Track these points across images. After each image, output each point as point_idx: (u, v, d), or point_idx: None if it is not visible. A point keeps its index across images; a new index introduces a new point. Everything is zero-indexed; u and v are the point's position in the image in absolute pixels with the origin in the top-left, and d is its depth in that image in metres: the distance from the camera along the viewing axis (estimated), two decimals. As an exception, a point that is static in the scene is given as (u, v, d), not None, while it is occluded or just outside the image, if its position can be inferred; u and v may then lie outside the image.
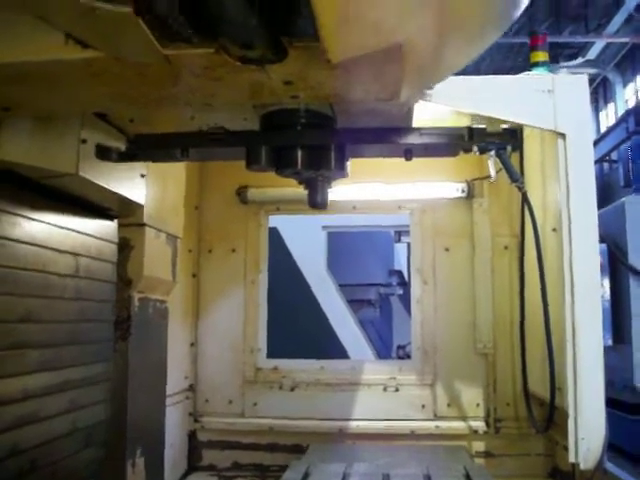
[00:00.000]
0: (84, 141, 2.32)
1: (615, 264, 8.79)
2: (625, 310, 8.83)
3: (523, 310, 4.19)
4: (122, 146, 2.21)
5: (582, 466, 3.46)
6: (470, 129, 1.93)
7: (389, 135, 1.82)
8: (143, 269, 3.56)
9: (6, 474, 2.29)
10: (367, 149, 2.11)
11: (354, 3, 1.12)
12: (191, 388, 4.95)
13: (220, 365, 5.01)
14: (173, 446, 4.44)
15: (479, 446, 4.69)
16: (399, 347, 7.92)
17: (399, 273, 8.78)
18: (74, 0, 1.19)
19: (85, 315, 2.89)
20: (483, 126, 2.03)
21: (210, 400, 4.98)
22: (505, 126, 2.51)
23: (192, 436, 4.92)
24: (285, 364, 5.03)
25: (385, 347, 8.96)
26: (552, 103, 3.74)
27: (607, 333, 8.75)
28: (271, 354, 5.10)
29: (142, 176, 3.00)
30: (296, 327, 5.65)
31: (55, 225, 2.63)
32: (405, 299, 8.24)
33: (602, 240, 8.88)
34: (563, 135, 3.72)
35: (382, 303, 8.71)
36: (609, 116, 17.41)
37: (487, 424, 4.69)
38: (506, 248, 4.78)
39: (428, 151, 2.05)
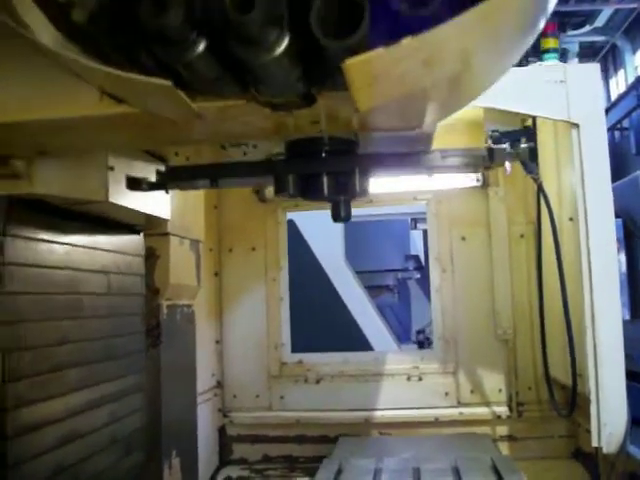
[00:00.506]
0: (112, 168, 2.39)
1: (630, 238, 8.81)
2: (641, 283, 8.88)
3: (542, 297, 4.24)
4: (151, 174, 2.28)
5: (605, 450, 3.56)
6: (490, 150, 1.99)
7: (412, 159, 1.87)
8: (169, 277, 3.65)
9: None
10: (390, 170, 2.17)
11: (382, 62, 1.16)
12: (219, 385, 5.07)
13: (246, 361, 5.12)
14: (204, 442, 4.56)
15: (502, 430, 4.79)
16: (418, 332, 8.01)
17: (416, 258, 8.83)
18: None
19: (118, 330, 2.99)
20: (504, 146, 2.07)
21: (238, 396, 5.10)
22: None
23: (222, 431, 5.05)
24: (309, 358, 5.13)
25: (404, 331, 9.06)
26: (565, 93, 3.76)
27: (624, 307, 8.79)
28: (295, 348, 5.20)
29: (167, 192, 3.08)
30: (317, 319, 5.75)
31: (86, 247, 2.72)
32: (423, 283, 8.32)
33: (617, 215, 8.87)
34: (577, 125, 3.75)
35: (400, 288, 8.79)
36: (619, 84, 17.22)
37: (510, 408, 4.78)
38: (522, 236, 4.83)
39: (449, 169, 2.11)
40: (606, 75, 17.78)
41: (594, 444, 3.59)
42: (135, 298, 3.21)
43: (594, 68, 3.84)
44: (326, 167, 1.87)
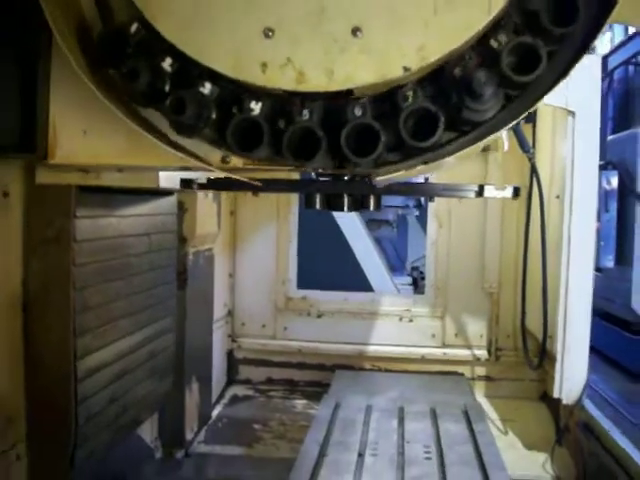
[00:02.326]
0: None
1: (624, 189, 9.20)
2: (629, 234, 9.34)
3: (525, 261, 4.71)
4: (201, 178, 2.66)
5: (564, 401, 4.17)
6: (481, 186, 2.41)
7: (418, 188, 2.28)
8: (196, 228, 4.12)
9: (107, 418, 2.98)
10: (399, 195, 2.58)
11: (399, 174, 1.60)
12: (229, 313, 5.64)
13: (255, 294, 5.66)
14: (215, 364, 5.14)
15: (481, 371, 5.40)
16: (413, 268, 8.56)
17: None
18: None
19: (156, 282, 3.48)
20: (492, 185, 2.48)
21: (246, 324, 5.68)
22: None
23: (230, 355, 5.66)
24: (313, 294, 5.67)
25: (400, 262, 9.63)
26: (565, 82, 4.08)
27: (610, 254, 9.32)
28: (300, 284, 5.73)
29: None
30: (323, 258, 6.22)
31: (132, 215, 3.17)
32: (421, 219, 8.77)
33: (613, 167, 9.27)
34: (573, 113, 4.11)
35: (399, 222, 9.27)
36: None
37: (489, 352, 5.37)
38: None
39: (448, 195, 2.53)
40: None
41: (555, 395, 4.19)
42: (169, 252, 3.68)
43: (595, 60, 4.15)
44: (348, 189, 2.30)
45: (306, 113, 1.61)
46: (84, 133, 1.92)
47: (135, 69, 1.60)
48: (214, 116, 1.63)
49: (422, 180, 2.52)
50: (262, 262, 5.67)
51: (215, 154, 1.82)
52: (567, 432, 4.31)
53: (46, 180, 2.40)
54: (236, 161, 1.81)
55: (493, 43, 1.60)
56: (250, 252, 5.69)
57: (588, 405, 4.09)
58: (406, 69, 1.51)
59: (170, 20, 1.57)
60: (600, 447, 3.77)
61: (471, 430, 3.65)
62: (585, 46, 1.63)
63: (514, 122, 1.73)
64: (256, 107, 1.62)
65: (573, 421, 4.25)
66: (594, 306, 10.02)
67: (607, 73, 11.23)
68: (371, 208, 2.35)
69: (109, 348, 2.95)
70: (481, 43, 1.58)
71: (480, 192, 2.36)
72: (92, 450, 2.82)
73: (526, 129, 4.35)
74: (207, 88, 1.61)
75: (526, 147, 4.14)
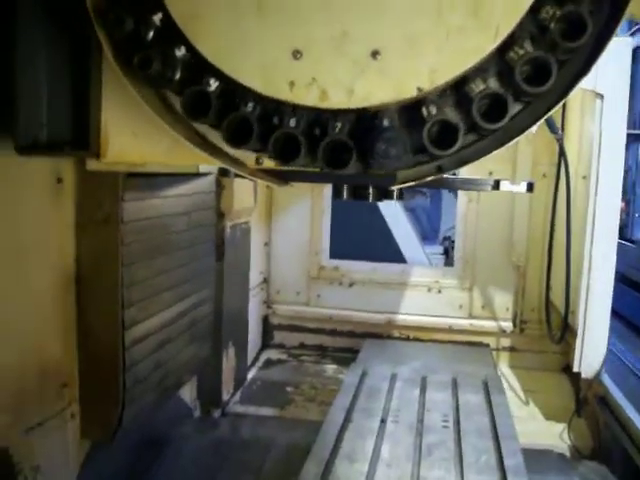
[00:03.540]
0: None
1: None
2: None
3: (552, 237, 4.83)
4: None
5: (583, 375, 4.34)
6: (496, 182, 2.55)
7: (440, 181, 2.43)
8: (233, 204, 4.34)
9: (151, 381, 3.27)
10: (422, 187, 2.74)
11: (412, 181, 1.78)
12: (265, 281, 5.90)
13: (289, 262, 5.91)
14: (251, 329, 5.42)
15: (505, 342, 5.59)
16: (445, 238, 8.69)
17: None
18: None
19: (196, 256, 3.72)
20: (507, 179, 2.62)
21: (281, 291, 5.94)
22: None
23: (265, 320, 5.94)
24: (345, 264, 5.88)
25: (433, 230, 9.77)
26: (595, 65, 4.13)
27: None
28: (333, 254, 5.94)
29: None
30: (356, 229, 6.40)
31: (174, 195, 3.40)
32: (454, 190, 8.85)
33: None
34: (601, 96, 4.18)
35: (433, 192, 9.38)
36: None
37: (514, 324, 5.54)
38: (544, 176, 5.29)
39: (466, 188, 2.69)
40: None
41: (575, 369, 4.36)
42: (208, 228, 3.92)
43: (625, 43, 4.19)
44: (373, 182, 2.47)
45: (338, 126, 1.78)
46: (133, 135, 2.14)
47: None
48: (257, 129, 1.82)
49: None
50: (296, 233, 5.89)
51: (250, 156, 2.03)
52: (585, 404, 4.49)
53: (96, 167, 2.63)
54: (269, 162, 2.02)
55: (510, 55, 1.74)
56: (285, 223, 5.91)
57: (606, 380, 4.25)
58: (419, 89, 1.68)
59: (211, 42, 1.76)
60: (614, 420, 3.94)
61: (489, 401, 3.86)
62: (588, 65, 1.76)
63: (533, 126, 1.88)
64: (293, 121, 1.81)
65: (591, 394, 4.43)
66: (628, 277, 10.11)
67: None
68: (394, 199, 2.53)
69: (153, 319, 3.22)
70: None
71: (496, 186, 2.51)
72: (138, 410, 3.11)
73: (555, 111, 4.42)
74: (250, 106, 1.80)
75: (554, 129, 4.22)
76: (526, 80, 1.71)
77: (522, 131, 1.83)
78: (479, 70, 1.72)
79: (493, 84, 1.76)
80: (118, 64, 1.90)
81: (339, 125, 1.80)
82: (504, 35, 1.64)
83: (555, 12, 1.64)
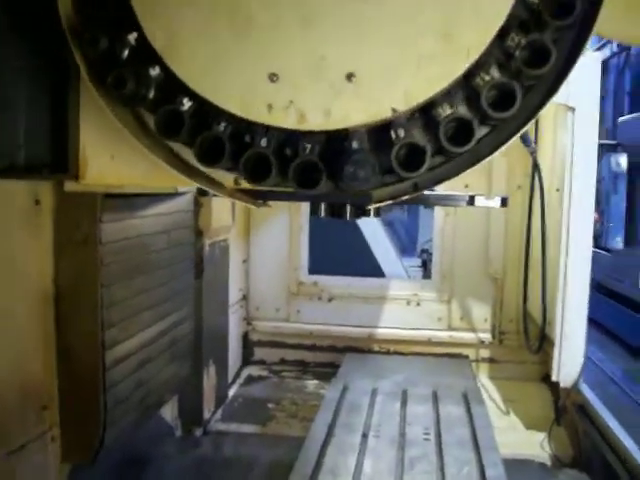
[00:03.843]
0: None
1: (632, 172, 9.32)
2: (638, 215, 9.49)
3: (528, 250, 4.92)
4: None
5: (562, 384, 4.40)
6: (471, 197, 2.61)
7: (417, 199, 2.47)
8: (212, 222, 4.35)
9: (132, 402, 3.26)
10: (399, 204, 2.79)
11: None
12: (244, 298, 5.90)
13: (268, 279, 5.92)
14: (231, 346, 5.40)
15: (485, 353, 5.64)
16: (423, 251, 8.77)
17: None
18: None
19: (175, 274, 3.73)
20: (482, 194, 2.68)
21: (260, 308, 5.94)
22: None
23: (245, 337, 5.93)
24: (324, 280, 5.91)
25: (411, 243, 9.85)
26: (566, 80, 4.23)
27: (619, 236, 9.47)
28: (312, 270, 5.96)
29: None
30: (335, 245, 6.44)
31: (152, 215, 3.40)
32: (431, 202, 8.95)
33: (623, 149, 9.35)
34: (573, 109, 4.27)
35: (409, 206, 9.46)
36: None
37: (492, 336, 5.60)
38: (519, 187, 5.37)
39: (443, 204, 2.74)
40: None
41: (553, 379, 4.42)
42: (187, 247, 3.93)
43: (595, 59, 4.30)
44: (349, 200, 2.51)
45: (308, 147, 1.82)
46: (111, 158, 2.15)
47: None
48: (229, 148, 1.84)
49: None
50: (275, 249, 5.91)
51: (229, 177, 2.06)
52: (565, 413, 4.55)
53: (74, 189, 2.63)
54: (246, 183, 2.04)
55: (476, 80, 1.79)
56: (264, 239, 5.93)
57: (584, 388, 4.31)
58: (394, 110, 1.72)
59: (188, 65, 1.78)
60: (593, 428, 4.00)
61: (469, 413, 3.90)
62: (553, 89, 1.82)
63: (501, 148, 1.92)
64: (264, 141, 1.83)
65: (570, 403, 4.49)
66: (603, 285, 10.21)
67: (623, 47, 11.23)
68: (371, 216, 2.57)
69: (133, 339, 3.21)
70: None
71: (471, 202, 2.56)
72: (120, 431, 3.09)
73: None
74: (222, 126, 1.83)
75: (528, 142, 4.30)
76: (492, 105, 1.76)
77: (490, 153, 1.87)
78: (446, 95, 1.77)
79: (460, 108, 1.81)
80: (93, 84, 1.92)
81: (309, 146, 1.83)
82: (474, 58, 1.69)
83: (520, 40, 1.69)
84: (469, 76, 1.77)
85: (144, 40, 1.81)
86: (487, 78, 1.77)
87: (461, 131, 1.77)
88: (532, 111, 1.88)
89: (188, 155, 2.02)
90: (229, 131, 1.84)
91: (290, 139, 1.85)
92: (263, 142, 1.83)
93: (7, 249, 2.60)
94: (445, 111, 1.78)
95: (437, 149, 1.84)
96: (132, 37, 1.84)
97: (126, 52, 1.85)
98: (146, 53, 1.83)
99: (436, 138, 1.80)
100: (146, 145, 1.93)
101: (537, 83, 1.88)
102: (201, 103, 1.82)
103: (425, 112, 1.80)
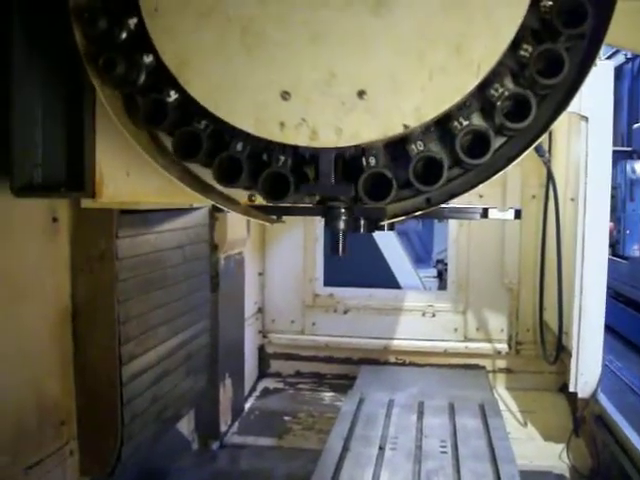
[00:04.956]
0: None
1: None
2: (655, 222, 9.41)
3: (543, 260, 4.90)
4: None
5: (580, 395, 4.37)
6: (485, 210, 2.60)
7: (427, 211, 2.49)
8: (227, 235, 4.38)
9: (149, 416, 3.28)
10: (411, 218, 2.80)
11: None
12: (260, 310, 5.92)
13: (284, 291, 5.94)
14: (247, 358, 5.42)
15: (501, 364, 5.61)
16: (438, 261, 8.74)
17: (441, 189, 9.26)
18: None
19: (191, 289, 3.76)
20: (495, 206, 2.68)
21: (276, 320, 5.96)
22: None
23: (261, 349, 5.95)
24: (339, 291, 5.92)
25: (427, 253, 9.83)
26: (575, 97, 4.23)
27: (636, 243, 9.39)
28: (327, 282, 5.97)
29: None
30: (350, 256, 6.43)
31: (168, 230, 3.44)
32: (446, 212, 8.93)
33: (639, 156, 9.27)
34: (586, 118, 4.26)
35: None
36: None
37: (509, 346, 5.57)
38: (534, 197, 5.37)
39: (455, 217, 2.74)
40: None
41: (571, 389, 4.39)
42: (203, 261, 3.96)
43: (608, 66, 4.28)
44: (364, 214, 2.52)
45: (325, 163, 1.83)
46: (127, 175, 2.18)
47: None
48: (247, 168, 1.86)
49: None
50: (290, 261, 5.93)
51: (243, 194, 2.08)
52: (583, 424, 4.51)
53: (91, 205, 2.67)
54: (261, 199, 2.06)
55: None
56: (279, 253, 5.96)
57: (602, 398, 4.27)
58: (406, 127, 1.73)
59: (202, 85, 1.81)
60: (612, 439, 3.96)
61: (486, 425, 3.88)
62: (567, 99, 1.82)
63: (517, 158, 1.93)
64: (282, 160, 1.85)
65: (588, 413, 4.45)
66: (620, 293, 10.12)
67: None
68: (385, 230, 2.57)
69: (150, 353, 3.24)
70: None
71: (484, 214, 2.56)
72: (137, 445, 3.12)
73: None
74: (239, 145, 1.85)
75: (542, 152, 4.29)
76: (507, 115, 1.77)
77: (507, 164, 1.88)
78: (461, 107, 1.78)
79: (475, 120, 1.81)
80: (111, 107, 1.95)
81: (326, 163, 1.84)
82: (485, 72, 1.69)
83: (533, 50, 1.70)
84: (483, 87, 1.77)
85: (160, 63, 1.84)
86: (501, 89, 1.77)
87: (478, 142, 1.78)
88: (547, 121, 1.88)
89: (203, 173, 2.06)
90: (247, 150, 1.86)
91: (305, 156, 1.87)
92: (280, 159, 1.84)
93: (26, 266, 2.64)
94: (461, 123, 1.78)
95: (454, 161, 1.85)
96: (148, 59, 1.87)
97: (143, 76, 1.88)
98: (162, 77, 1.85)
99: (452, 150, 1.80)
100: (162, 165, 1.95)
101: (551, 93, 1.88)
102: (217, 123, 1.84)
103: (440, 125, 1.81)
